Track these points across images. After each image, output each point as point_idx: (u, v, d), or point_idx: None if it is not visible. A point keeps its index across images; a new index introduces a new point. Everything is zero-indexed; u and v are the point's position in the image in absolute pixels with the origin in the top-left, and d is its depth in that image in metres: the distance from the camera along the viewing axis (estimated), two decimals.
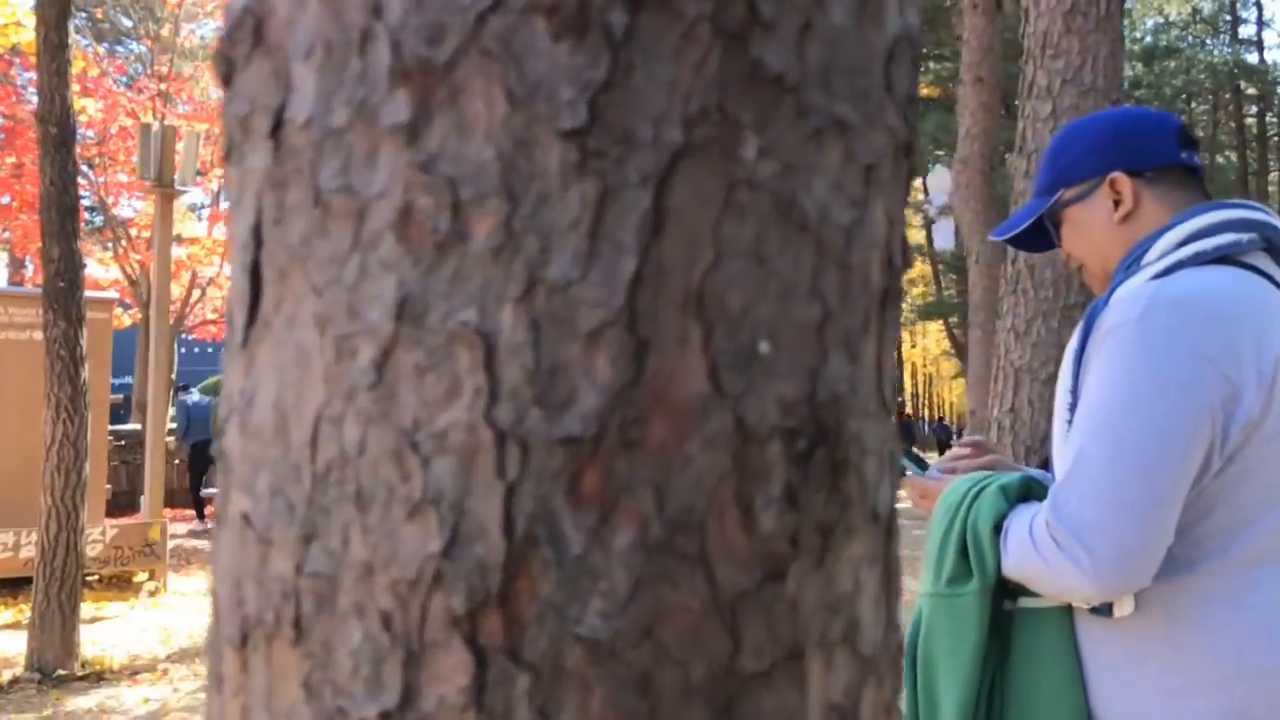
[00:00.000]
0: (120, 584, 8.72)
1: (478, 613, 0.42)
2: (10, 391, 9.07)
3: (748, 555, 0.43)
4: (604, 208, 0.41)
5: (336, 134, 0.44)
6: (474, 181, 0.42)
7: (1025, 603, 1.37)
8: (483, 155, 0.42)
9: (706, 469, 0.42)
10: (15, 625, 7.55)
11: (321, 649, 0.44)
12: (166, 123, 11.36)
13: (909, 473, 1.63)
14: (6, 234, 16.34)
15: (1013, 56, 6.28)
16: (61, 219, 6.35)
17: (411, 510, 0.42)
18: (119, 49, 19.56)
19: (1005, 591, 1.37)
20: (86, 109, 11.79)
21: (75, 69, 6.34)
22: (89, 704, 5.72)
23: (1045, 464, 1.68)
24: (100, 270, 14.85)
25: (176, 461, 12.53)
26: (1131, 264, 1.39)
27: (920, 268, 26.93)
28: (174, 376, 11.66)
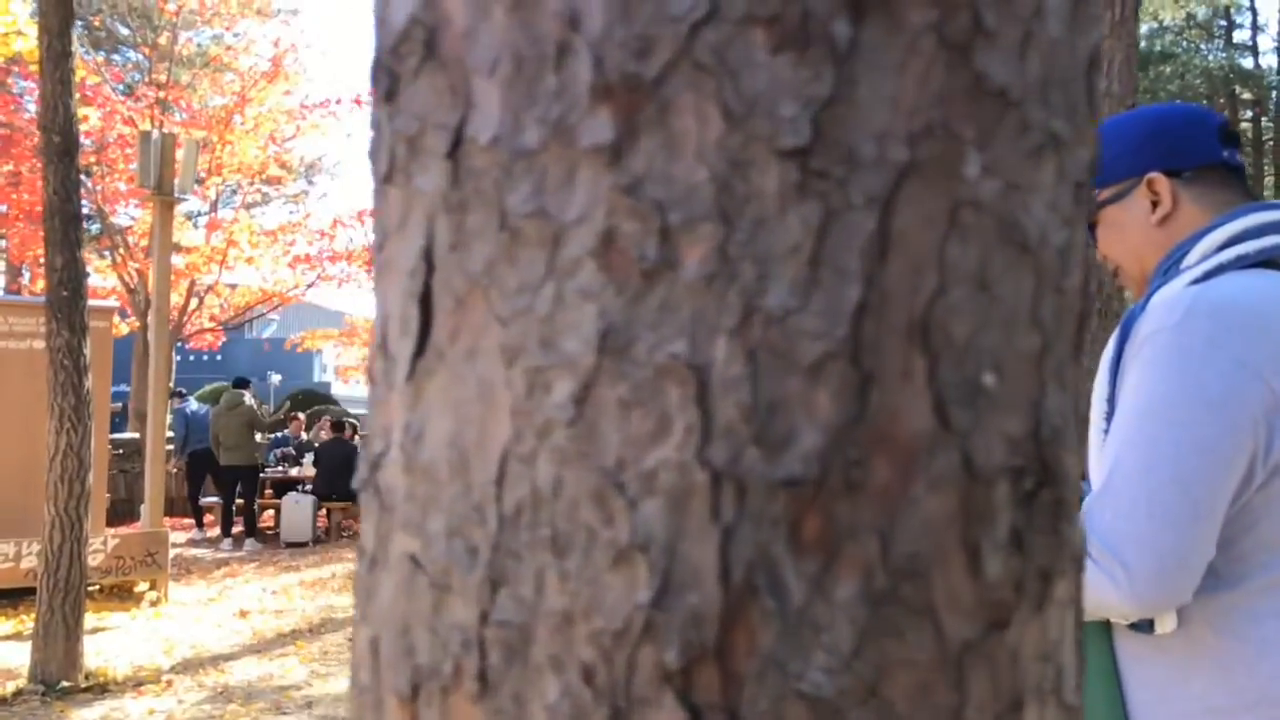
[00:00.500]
0: (121, 594, 8.66)
1: (692, 667, 0.39)
2: (10, 401, 9.00)
3: (973, 604, 0.40)
4: (826, 232, 0.39)
5: (528, 155, 0.41)
6: (684, 205, 0.39)
7: None
8: (694, 177, 0.39)
9: (932, 512, 0.40)
10: (16, 636, 7.49)
11: (512, 703, 0.41)
12: (165, 130, 11.32)
13: None
14: (2, 242, 16.28)
15: None
16: (65, 228, 6.31)
17: (617, 556, 0.39)
18: (115, 57, 19.51)
19: None
20: (89, 117, 11.73)
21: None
22: (93, 716, 5.67)
23: (1082, 475, 1.65)
24: (98, 279, 14.78)
25: (174, 470, 12.46)
26: (1170, 267, 1.35)
27: None
28: (171, 384, 11.58)
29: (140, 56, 18.75)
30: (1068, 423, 0.44)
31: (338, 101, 15.53)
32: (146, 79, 17.00)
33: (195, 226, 17.92)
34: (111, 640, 7.40)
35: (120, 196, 14.26)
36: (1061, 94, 0.43)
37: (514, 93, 0.42)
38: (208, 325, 15.95)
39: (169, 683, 6.28)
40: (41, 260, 14.51)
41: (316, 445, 13.38)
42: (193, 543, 12.00)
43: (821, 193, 0.39)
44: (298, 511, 11.85)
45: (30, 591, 7.68)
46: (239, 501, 12.00)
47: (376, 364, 0.50)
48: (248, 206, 18.11)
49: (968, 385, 0.40)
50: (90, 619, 6.76)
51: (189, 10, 16.89)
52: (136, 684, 6.27)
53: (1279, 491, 1.21)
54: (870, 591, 0.39)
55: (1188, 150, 1.43)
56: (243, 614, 8.26)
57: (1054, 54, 0.43)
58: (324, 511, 12.20)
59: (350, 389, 31.34)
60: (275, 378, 27.97)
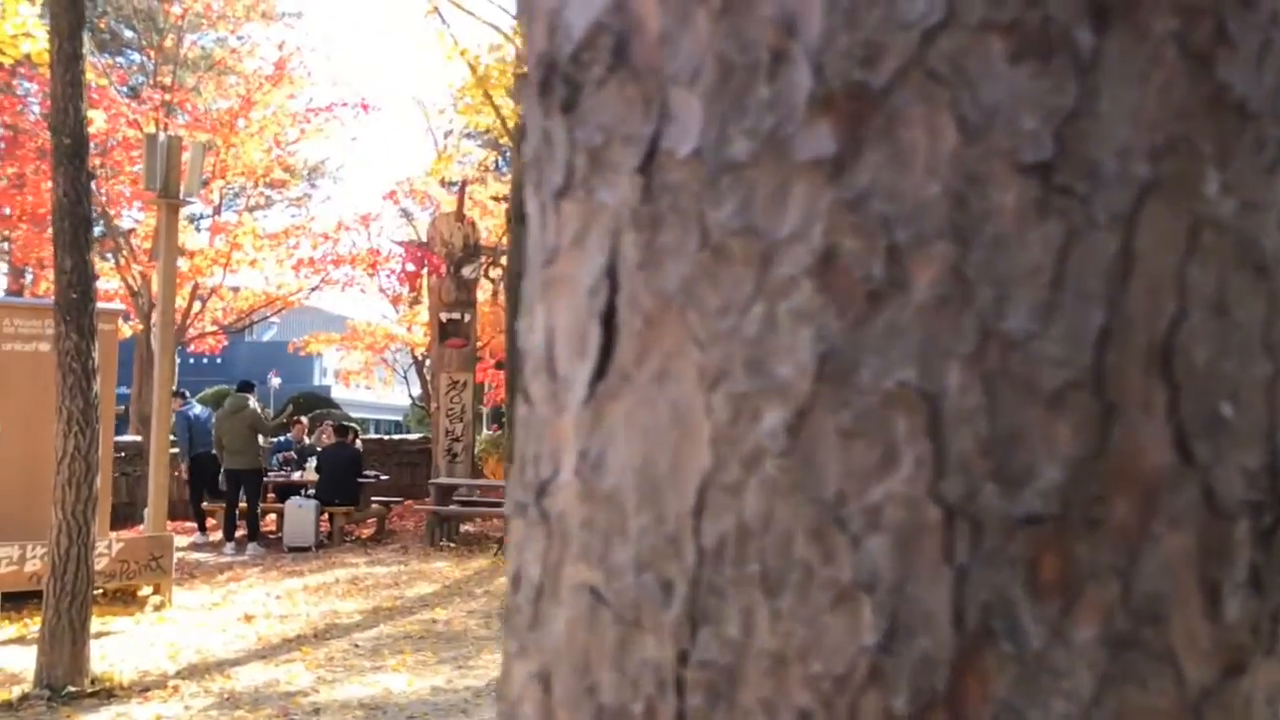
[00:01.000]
0: (125, 598, 8.62)
1: (922, 715, 0.36)
2: (14, 404, 8.96)
3: (1211, 648, 0.38)
4: (1068, 252, 0.36)
5: (735, 168, 0.39)
6: (914, 222, 0.37)
7: None
8: (925, 192, 0.37)
9: (1172, 551, 0.37)
10: (20, 640, 7.46)
11: None
12: (170, 133, 11.30)
13: None
14: (5, 244, 16.25)
15: None
16: (74, 230, 6.29)
17: (838, 595, 0.37)
18: (119, 60, 19.49)
19: None
20: (94, 120, 11.70)
21: None
22: None
23: None
24: (101, 281, 14.73)
25: (175, 474, 12.41)
26: None
27: None
28: (173, 387, 11.55)
29: (145, 59, 18.74)
30: None
31: (342, 105, 15.51)
32: (151, 81, 16.98)
33: (198, 230, 17.90)
34: (116, 645, 7.36)
35: (124, 199, 14.23)
36: None
37: (719, 103, 0.39)
38: (209, 329, 15.90)
39: (175, 688, 6.25)
40: (44, 263, 14.48)
41: (319, 450, 13.33)
42: (195, 547, 11.95)
43: (1063, 211, 0.36)
44: (301, 516, 11.81)
45: (34, 595, 7.64)
46: (242, 505, 11.95)
47: (537, 384, 0.48)
48: (251, 209, 18.07)
49: (1208, 416, 0.38)
50: (94, 623, 6.72)
51: (194, 13, 16.88)
52: (142, 689, 6.23)
53: None
54: (1110, 635, 0.37)
55: None
56: (247, 619, 8.22)
57: None
58: (326, 516, 12.15)
59: (350, 392, 31.29)
60: (275, 381, 27.92)
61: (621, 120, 0.42)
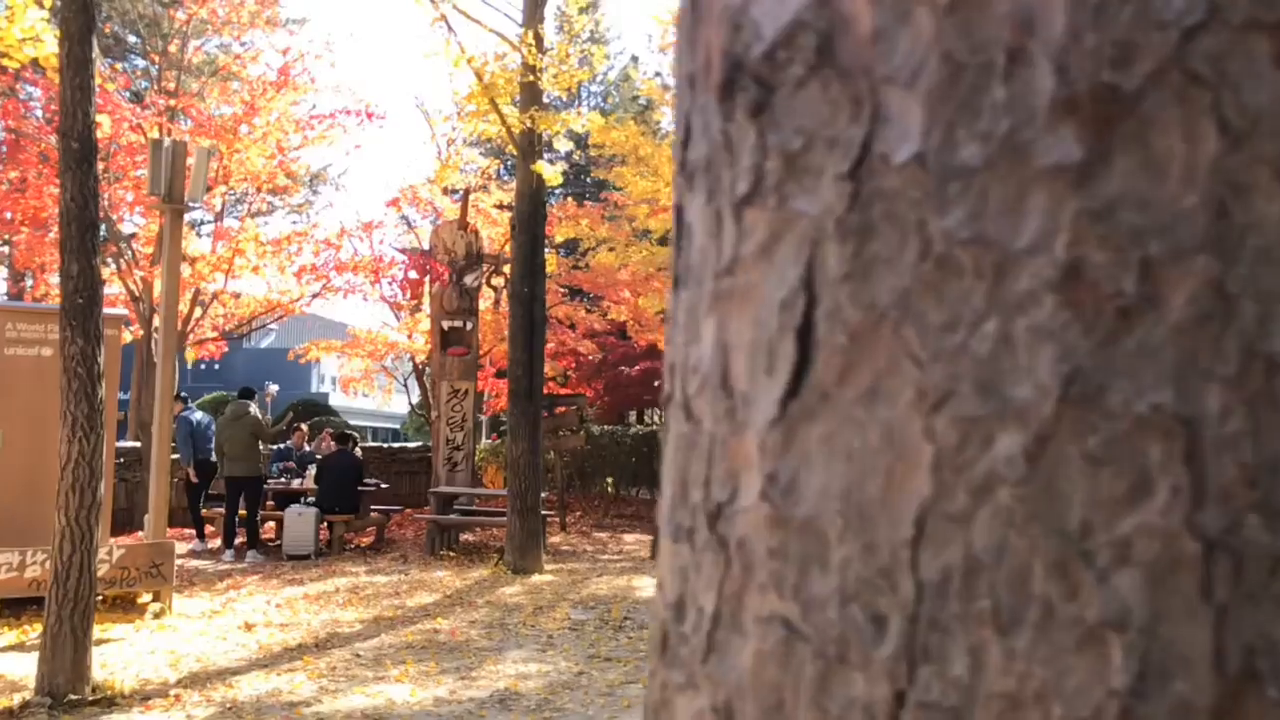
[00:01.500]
0: (124, 605, 8.56)
1: None
2: (17, 408, 8.92)
3: None
4: None
5: (964, 174, 0.36)
6: (1169, 234, 0.34)
7: None
8: (1182, 202, 0.34)
9: None
10: (20, 647, 7.40)
11: None
12: (175, 139, 11.27)
13: None
14: (6, 248, 16.20)
15: None
16: (82, 235, 6.27)
17: (1083, 635, 0.34)
18: (123, 65, 19.48)
19: None
20: (101, 125, 11.67)
21: None
22: None
23: None
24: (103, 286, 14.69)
25: (175, 480, 12.35)
26: None
27: None
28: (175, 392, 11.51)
29: (149, 64, 18.72)
30: None
31: (345, 113, 15.48)
32: (155, 87, 16.96)
33: (199, 235, 17.87)
34: (116, 652, 7.30)
35: (126, 204, 14.20)
36: None
37: (944, 105, 0.37)
38: (209, 335, 15.85)
39: (177, 697, 6.19)
40: (45, 267, 14.43)
41: (319, 457, 13.27)
42: (194, 554, 11.89)
43: None
44: (300, 524, 11.75)
45: (33, 602, 7.59)
46: (241, 512, 11.89)
47: (705, 401, 0.45)
48: (253, 215, 18.04)
49: None
50: (94, 631, 6.66)
51: (199, 19, 16.87)
52: (144, 698, 6.18)
53: None
54: None
55: None
56: (248, 627, 8.17)
57: None
58: (325, 524, 12.09)
59: (349, 400, 31.19)
60: (273, 387, 27.83)
61: (825, 123, 0.39)
